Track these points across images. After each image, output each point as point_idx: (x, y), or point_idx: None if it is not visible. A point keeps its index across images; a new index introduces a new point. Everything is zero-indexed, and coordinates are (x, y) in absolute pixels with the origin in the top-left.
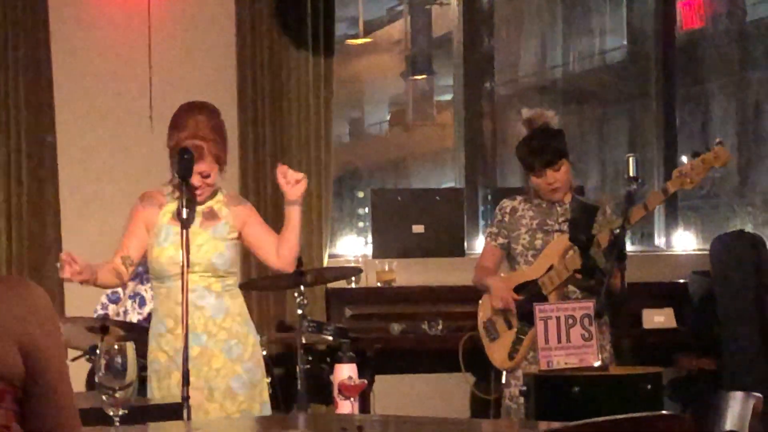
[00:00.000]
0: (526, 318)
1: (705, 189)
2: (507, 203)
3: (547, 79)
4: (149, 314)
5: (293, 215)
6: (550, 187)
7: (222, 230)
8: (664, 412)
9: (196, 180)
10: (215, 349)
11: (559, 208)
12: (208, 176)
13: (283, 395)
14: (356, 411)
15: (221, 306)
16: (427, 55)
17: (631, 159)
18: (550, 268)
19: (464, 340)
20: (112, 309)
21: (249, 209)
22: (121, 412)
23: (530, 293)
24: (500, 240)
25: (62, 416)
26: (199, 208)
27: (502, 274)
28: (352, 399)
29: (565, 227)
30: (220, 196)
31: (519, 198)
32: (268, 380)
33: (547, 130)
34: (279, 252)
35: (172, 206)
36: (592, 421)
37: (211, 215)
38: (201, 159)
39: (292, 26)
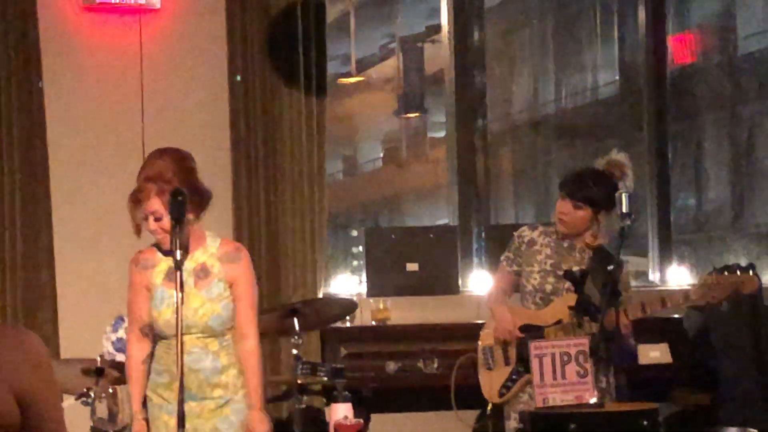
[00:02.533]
0: (525, 360)
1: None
2: (527, 233)
3: (539, 115)
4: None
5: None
6: (558, 215)
7: (216, 289)
8: None
9: (151, 223)
10: (210, 404)
11: (577, 255)
12: (159, 218)
13: None
14: None
15: (216, 366)
16: (420, 92)
17: (623, 195)
18: (559, 321)
19: (459, 362)
20: (120, 358)
21: (241, 269)
22: None
23: (533, 338)
24: (515, 267)
25: None
26: (190, 265)
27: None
28: None
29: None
30: (212, 248)
31: (540, 228)
32: None
33: (602, 174)
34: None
35: (164, 265)
36: None
37: (204, 272)
38: (147, 199)
39: (284, 67)
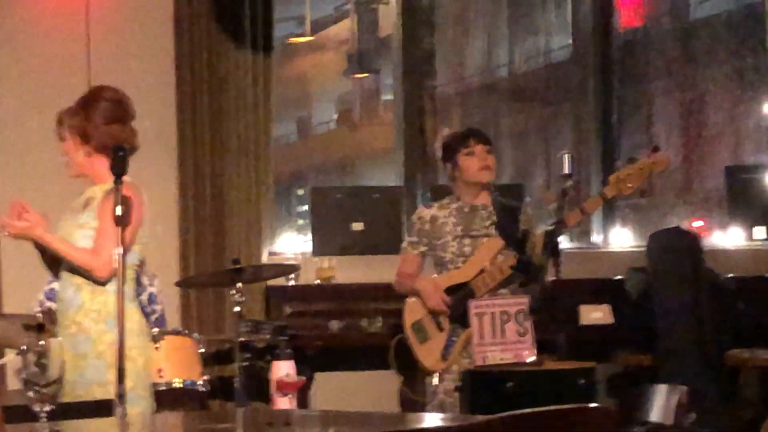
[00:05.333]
0: (458, 320)
1: (645, 196)
2: (425, 212)
3: (492, 78)
4: None
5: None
6: (482, 164)
7: (83, 218)
8: (591, 404)
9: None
10: (66, 343)
11: (483, 212)
12: (64, 139)
13: (222, 393)
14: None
15: (75, 300)
16: (371, 53)
17: (566, 156)
18: (482, 271)
19: (394, 343)
20: (50, 306)
21: (102, 205)
22: (47, 408)
23: (462, 296)
24: (421, 248)
25: None
26: (82, 197)
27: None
28: (290, 396)
29: (491, 231)
30: (106, 186)
31: (435, 205)
32: (205, 378)
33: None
34: None
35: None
36: (520, 413)
37: (86, 203)
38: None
39: (230, 24)
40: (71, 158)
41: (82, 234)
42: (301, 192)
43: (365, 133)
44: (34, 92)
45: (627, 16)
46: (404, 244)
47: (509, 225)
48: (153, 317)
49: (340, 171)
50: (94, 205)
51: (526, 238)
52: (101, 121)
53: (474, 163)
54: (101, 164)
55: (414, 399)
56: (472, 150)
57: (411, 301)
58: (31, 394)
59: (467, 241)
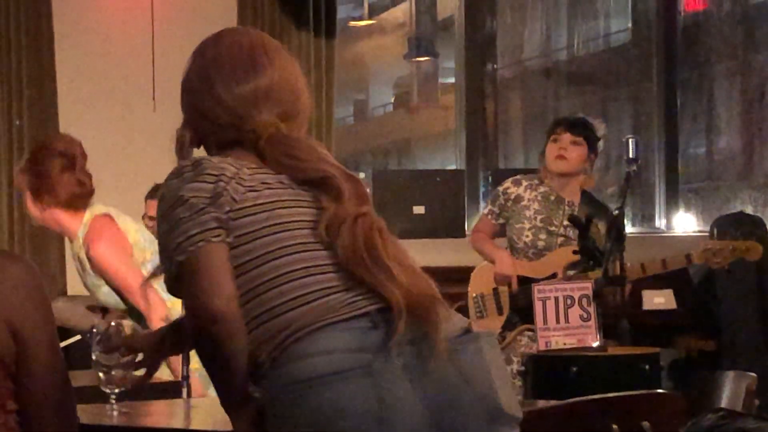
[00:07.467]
0: (518, 311)
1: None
2: (512, 189)
3: (551, 62)
4: None
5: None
6: (558, 152)
7: (90, 279)
8: (657, 390)
9: None
10: None
11: (566, 208)
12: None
13: None
14: None
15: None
16: (431, 36)
17: (630, 141)
18: (554, 275)
19: (455, 309)
20: None
21: (96, 262)
22: (117, 390)
23: (526, 291)
24: (501, 220)
25: (55, 389)
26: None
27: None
28: None
29: (570, 233)
30: (80, 238)
31: (524, 183)
32: None
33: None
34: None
35: None
36: (587, 399)
37: (81, 266)
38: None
39: (293, 7)
40: (31, 212)
41: (103, 293)
42: (361, 175)
43: (423, 116)
44: (98, 84)
45: None
46: (485, 211)
47: (587, 239)
48: None
49: (398, 154)
50: (89, 268)
51: (589, 224)
52: (54, 174)
53: (553, 150)
54: (62, 218)
55: None
56: (557, 137)
57: (482, 268)
58: (101, 375)
59: (543, 235)
